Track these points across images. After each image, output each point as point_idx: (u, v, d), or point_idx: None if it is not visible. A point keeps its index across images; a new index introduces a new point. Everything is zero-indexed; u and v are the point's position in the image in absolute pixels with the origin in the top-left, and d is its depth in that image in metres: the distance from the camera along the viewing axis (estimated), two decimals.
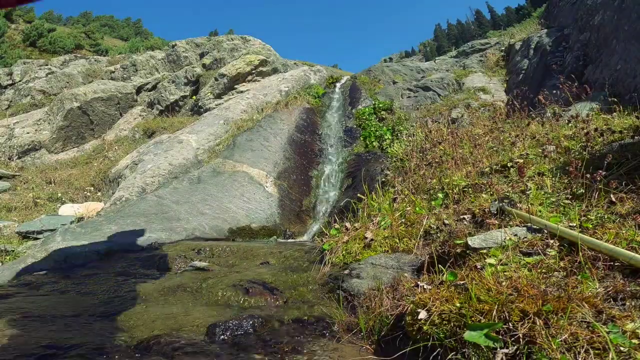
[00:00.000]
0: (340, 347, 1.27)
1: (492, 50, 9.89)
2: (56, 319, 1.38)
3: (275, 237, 3.82)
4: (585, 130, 2.42)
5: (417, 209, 2.25)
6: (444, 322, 1.03)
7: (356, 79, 8.91)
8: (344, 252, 2.02)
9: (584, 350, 0.83)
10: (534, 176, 2.11)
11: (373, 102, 7.12)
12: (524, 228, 1.49)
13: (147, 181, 5.31)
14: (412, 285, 1.37)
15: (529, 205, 1.66)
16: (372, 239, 2.02)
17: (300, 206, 4.72)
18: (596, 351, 0.82)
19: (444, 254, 1.57)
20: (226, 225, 3.75)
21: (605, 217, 1.44)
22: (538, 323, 0.91)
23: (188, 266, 2.22)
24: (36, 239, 4.19)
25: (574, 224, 1.41)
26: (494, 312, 0.97)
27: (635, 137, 2.24)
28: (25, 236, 4.28)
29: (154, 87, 10.05)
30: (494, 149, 3.07)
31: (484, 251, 1.39)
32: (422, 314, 1.09)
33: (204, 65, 9.84)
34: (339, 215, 3.26)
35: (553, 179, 2.00)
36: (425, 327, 1.05)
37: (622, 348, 0.81)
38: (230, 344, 1.23)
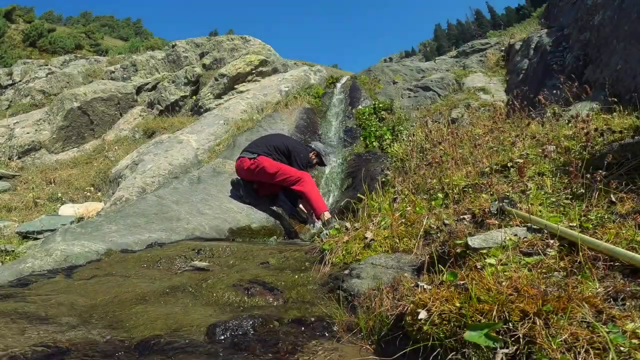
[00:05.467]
0: (341, 347, 1.27)
1: (492, 50, 9.89)
2: (56, 319, 1.38)
3: (275, 237, 3.82)
4: (585, 130, 2.41)
5: (417, 209, 2.24)
6: (444, 322, 1.03)
7: (356, 79, 8.91)
8: (344, 252, 2.01)
9: (584, 350, 0.83)
10: (534, 176, 2.12)
11: (373, 102, 7.12)
12: (524, 228, 1.49)
13: (147, 181, 5.32)
14: (412, 285, 1.37)
15: (529, 205, 1.66)
16: (372, 239, 2.02)
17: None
18: (596, 351, 0.82)
19: (444, 254, 1.56)
20: (226, 225, 3.75)
21: (605, 217, 1.44)
22: (538, 323, 0.91)
23: (188, 266, 2.22)
24: (36, 239, 4.19)
25: (574, 224, 1.41)
26: (494, 312, 0.97)
27: (635, 137, 2.24)
28: (25, 236, 4.28)
29: (154, 87, 10.05)
30: (494, 149, 3.07)
31: (484, 251, 1.39)
32: (422, 314, 1.09)
33: (204, 65, 9.84)
34: (340, 215, 3.26)
35: (553, 179, 2.00)
36: (425, 327, 1.05)
37: (622, 348, 0.81)
38: (230, 344, 1.23)
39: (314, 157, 4.49)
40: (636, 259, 1.06)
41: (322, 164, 4.61)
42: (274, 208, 4.37)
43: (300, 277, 1.87)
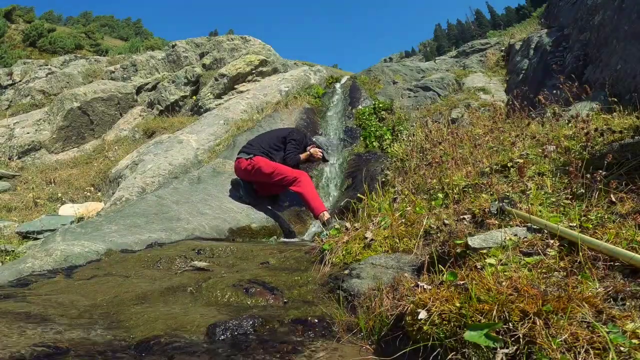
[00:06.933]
0: (341, 347, 1.27)
1: (492, 50, 9.90)
2: (56, 319, 1.38)
3: (275, 237, 3.82)
4: (585, 130, 2.42)
5: (417, 209, 2.24)
6: (444, 322, 1.03)
7: (356, 79, 8.91)
8: (344, 252, 2.01)
9: (584, 350, 0.83)
10: (534, 176, 2.11)
11: (373, 102, 7.12)
12: (524, 228, 1.49)
13: (147, 181, 5.32)
14: (412, 285, 1.37)
15: (529, 205, 1.66)
16: (372, 239, 2.02)
17: (300, 206, 4.71)
18: (596, 351, 0.82)
19: (444, 254, 1.57)
20: (226, 225, 3.75)
21: (605, 217, 1.44)
22: (538, 323, 0.91)
23: (188, 266, 2.22)
24: (36, 239, 4.20)
25: (574, 224, 1.40)
26: (494, 312, 0.97)
27: (635, 137, 2.24)
28: (25, 236, 4.28)
29: (154, 87, 10.04)
30: (494, 149, 3.07)
31: (484, 251, 1.39)
32: (422, 314, 1.09)
33: (204, 65, 9.84)
34: (340, 215, 3.26)
35: (553, 179, 2.00)
36: (425, 327, 1.05)
37: (622, 348, 0.81)
38: (230, 344, 1.23)
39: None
40: (636, 259, 1.06)
41: (324, 159, 4.54)
42: (274, 208, 4.37)
43: (300, 277, 1.87)
